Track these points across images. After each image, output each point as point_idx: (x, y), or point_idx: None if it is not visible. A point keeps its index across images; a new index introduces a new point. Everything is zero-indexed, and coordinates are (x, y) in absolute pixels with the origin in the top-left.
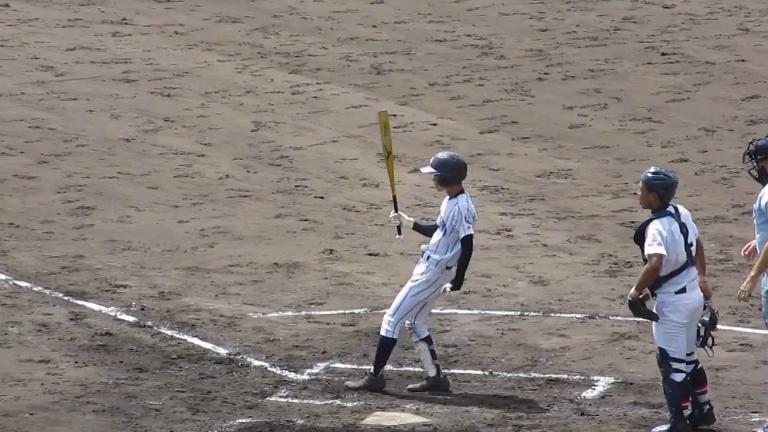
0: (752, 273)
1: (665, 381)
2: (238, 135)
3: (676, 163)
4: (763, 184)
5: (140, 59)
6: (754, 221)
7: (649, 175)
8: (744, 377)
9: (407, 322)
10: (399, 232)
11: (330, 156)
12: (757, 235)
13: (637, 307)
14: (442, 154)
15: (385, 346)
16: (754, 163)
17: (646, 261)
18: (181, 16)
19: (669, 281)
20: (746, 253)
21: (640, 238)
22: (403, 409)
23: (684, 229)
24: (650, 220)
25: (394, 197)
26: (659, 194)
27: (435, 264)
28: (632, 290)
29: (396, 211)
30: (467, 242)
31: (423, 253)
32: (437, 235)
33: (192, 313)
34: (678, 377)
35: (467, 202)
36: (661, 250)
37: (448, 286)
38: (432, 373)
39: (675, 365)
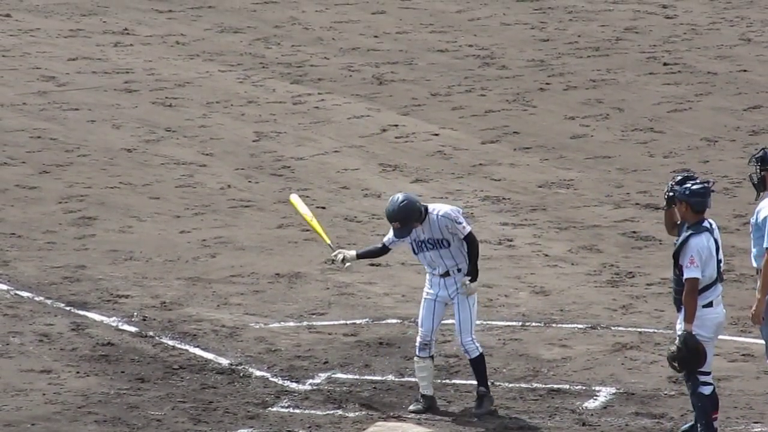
0: (758, 296)
1: (693, 395)
2: (239, 145)
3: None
4: (758, 192)
5: (142, 69)
6: (751, 235)
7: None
8: (745, 387)
9: (428, 338)
10: (342, 263)
11: (332, 166)
12: (753, 250)
13: (695, 340)
14: (393, 207)
15: (483, 362)
16: (758, 170)
17: (680, 275)
18: (182, 26)
19: (699, 296)
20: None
21: (678, 254)
22: (405, 419)
23: (717, 245)
24: (689, 237)
25: (328, 245)
26: (688, 203)
27: (465, 273)
28: (685, 324)
29: (334, 251)
30: (472, 237)
31: (438, 271)
32: (443, 252)
33: (193, 323)
34: (706, 390)
35: (442, 209)
36: (698, 274)
37: (467, 279)
38: (430, 392)
39: (702, 378)
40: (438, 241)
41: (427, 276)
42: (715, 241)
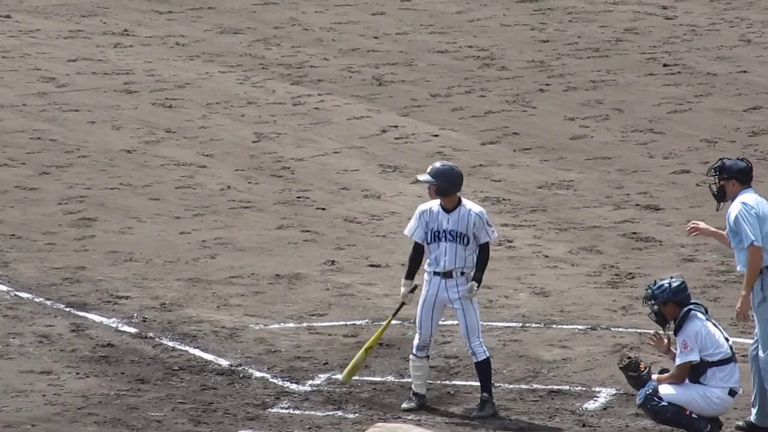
0: (742, 292)
1: (658, 413)
2: (239, 146)
3: (677, 174)
4: (718, 201)
5: (142, 70)
6: (730, 243)
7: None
8: (745, 387)
9: (427, 341)
10: (409, 299)
11: (331, 167)
12: (738, 264)
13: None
14: (441, 164)
15: (489, 366)
16: (717, 180)
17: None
18: (182, 27)
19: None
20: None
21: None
22: (404, 420)
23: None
24: (682, 322)
25: (394, 317)
26: (675, 301)
27: (472, 278)
28: (657, 379)
29: (400, 305)
30: (488, 246)
31: (441, 266)
32: (459, 250)
33: (193, 324)
34: (663, 402)
35: (476, 207)
36: (695, 357)
37: (475, 284)
38: (423, 391)
39: (657, 399)
40: (460, 235)
41: (426, 277)
42: (714, 324)
